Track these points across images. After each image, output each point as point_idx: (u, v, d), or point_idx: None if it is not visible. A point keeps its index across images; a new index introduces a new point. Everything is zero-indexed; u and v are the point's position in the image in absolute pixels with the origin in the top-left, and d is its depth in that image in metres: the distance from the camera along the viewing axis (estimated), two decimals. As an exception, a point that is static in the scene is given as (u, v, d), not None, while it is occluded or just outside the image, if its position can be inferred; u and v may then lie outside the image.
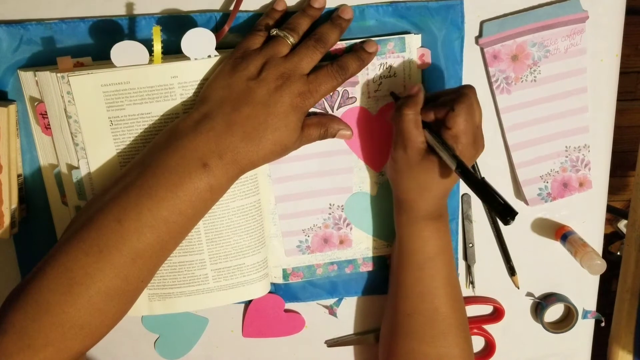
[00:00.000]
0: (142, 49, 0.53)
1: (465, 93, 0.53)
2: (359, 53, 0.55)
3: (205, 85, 0.53)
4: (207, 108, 0.51)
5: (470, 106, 0.52)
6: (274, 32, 0.53)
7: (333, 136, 0.58)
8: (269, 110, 0.51)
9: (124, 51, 0.53)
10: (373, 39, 0.57)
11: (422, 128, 0.54)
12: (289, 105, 0.51)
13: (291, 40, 0.53)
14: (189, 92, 0.54)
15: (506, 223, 0.46)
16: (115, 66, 0.53)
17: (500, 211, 0.46)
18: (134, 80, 0.54)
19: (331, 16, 0.56)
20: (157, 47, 0.53)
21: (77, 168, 0.57)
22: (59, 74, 0.54)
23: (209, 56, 0.54)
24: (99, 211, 0.49)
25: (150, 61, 0.54)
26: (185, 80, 0.54)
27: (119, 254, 0.48)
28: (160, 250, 0.50)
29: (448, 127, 0.52)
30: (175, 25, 0.57)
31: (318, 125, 0.57)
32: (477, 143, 0.54)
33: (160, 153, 0.50)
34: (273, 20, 0.56)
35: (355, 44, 0.57)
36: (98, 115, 0.55)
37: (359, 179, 0.62)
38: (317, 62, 0.53)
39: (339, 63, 0.54)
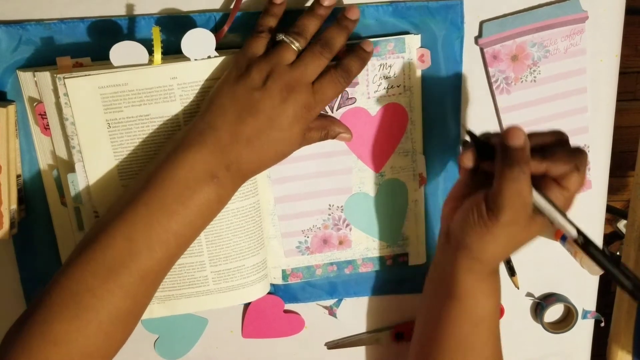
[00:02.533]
0: (142, 49, 0.53)
1: (583, 152, 0.47)
2: (359, 53, 0.54)
3: (211, 93, 0.53)
4: (212, 117, 0.51)
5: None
6: (280, 37, 0.52)
7: (333, 138, 0.58)
8: (273, 123, 0.50)
9: (123, 51, 0.53)
10: (372, 39, 0.57)
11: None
12: (294, 117, 0.51)
13: (298, 45, 0.52)
14: (188, 93, 0.54)
15: (636, 300, 0.43)
16: (113, 67, 0.53)
17: (630, 291, 0.43)
18: (132, 81, 0.53)
19: (337, 17, 0.54)
20: (157, 47, 0.53)
21: (74, 172, 0.56)
22: (57, 75, 0.53)
23: (209, 57, 0.54)
24: (102, 231, 0.48)
25: (150, 61, 0.54)
26: (185, 82, 0.54)
27: (128, 272, 0.47)
28: (167, 264, 0.50)
29: (566, 187, 0.46)
30: (175, 25, 0.57)
31: (319, 128, 0.56)
32: None
33: (167, 167, 0.49)
34: (275, 17, 0.54)
35: (353, 44, 0.57)
36: (95, 118, 0.54)
37: (358, 179, 0.62)
38: (323, 69, 0.52)
39: (343, 67, 0.53)
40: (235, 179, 0.51)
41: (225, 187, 0.51)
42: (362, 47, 0.55)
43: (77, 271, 0.47)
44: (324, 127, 0.56)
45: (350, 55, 0.54)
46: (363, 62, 0.55)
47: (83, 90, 0.53)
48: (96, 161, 0.56)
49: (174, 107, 0.54)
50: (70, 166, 0.57)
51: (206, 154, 0.49)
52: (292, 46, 0.52)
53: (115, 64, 0.53)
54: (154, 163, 0.51)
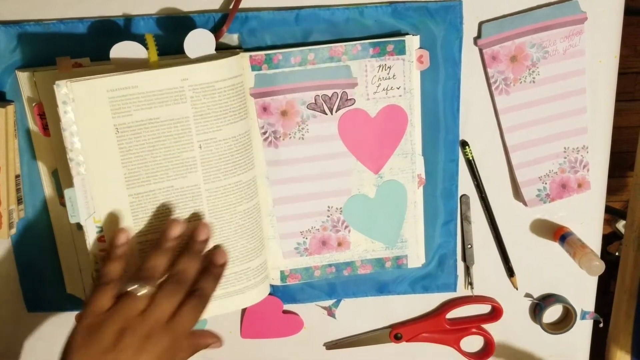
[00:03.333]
0: (142, 50, 0.53)
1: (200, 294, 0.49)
2: (213, 271, 0.52)
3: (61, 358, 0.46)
4: None
5: None
6: (129, 287, 0.48)
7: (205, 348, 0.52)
8: None
9: (123, 51, 0.53)
10: (372, 40, 0.57)
11: None
12: None
13: (148, 292, 0.48)
14: (199, 94, 0.53)
15: None
16: (113, 68, 0.53)
17: None
18: (143, 83, 0.52)
19: (187, 244, 0.52)
20: (153, 53, 0.53)
21: (71, 187, 0.52)
22: (57, 82, 0.50)
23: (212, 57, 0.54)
24: None
25: (149, 62, 0.53)
26: (196, 83, 0.53)
27: None
28: None
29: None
30: (174, 25, 0.57)
31: (187, 349, 0.50)
32: None
33: None
34: (120, 261, 0.50)
35: (205, 260, 0.53)
36: (102, 123, 0.52)
37: (357, 181, 0.62)
38: (179, 302, 0.49)
39: (199, 294, 0.50)
40: None
41: None
42: (214, 263, 0.53)
43: None
44: (192, 347, 0.50)
45: (205, 276, 0.52)
46: (219, 278, 0.52)
47: (90, 94, 0.51)
48: (101, 171, 0.52)
49: (185, 109, 0.53)
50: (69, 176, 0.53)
51: None
52: (142, 293, 0.48)
53: (114, 64, 0.53)
54: None
